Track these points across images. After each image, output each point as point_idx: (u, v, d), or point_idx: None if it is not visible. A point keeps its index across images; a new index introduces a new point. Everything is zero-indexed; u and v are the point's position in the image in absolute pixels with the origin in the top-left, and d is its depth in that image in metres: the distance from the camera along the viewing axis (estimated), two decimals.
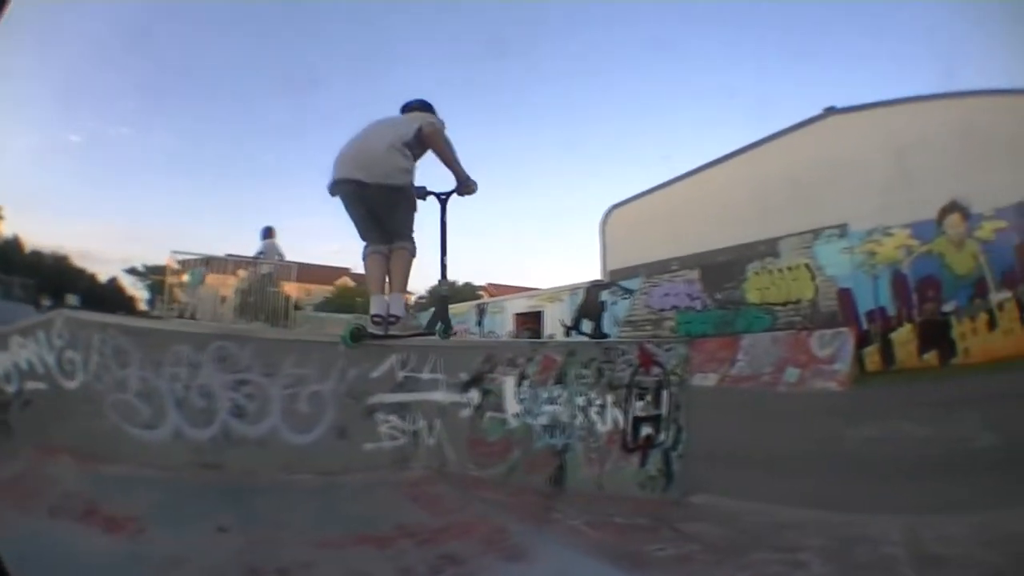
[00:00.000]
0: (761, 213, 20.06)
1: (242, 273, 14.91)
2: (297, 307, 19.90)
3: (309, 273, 38.24)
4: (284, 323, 14.41)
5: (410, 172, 5.06)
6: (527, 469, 4.82)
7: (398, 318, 5.13)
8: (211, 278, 14.84)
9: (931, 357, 14.97)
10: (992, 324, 14.76)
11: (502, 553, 3.24)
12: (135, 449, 4.45)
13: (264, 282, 14.46)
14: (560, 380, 4.95)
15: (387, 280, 5.18)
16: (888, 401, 11.53)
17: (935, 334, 15.22)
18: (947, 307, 15.24)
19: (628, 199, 27.43)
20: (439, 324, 5.58)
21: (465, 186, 5.34)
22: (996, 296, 14.81)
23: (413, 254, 5.22)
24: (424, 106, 5.39)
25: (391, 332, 5.08)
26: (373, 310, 5.05)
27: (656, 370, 5.03)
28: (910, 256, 16.07)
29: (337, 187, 4.94)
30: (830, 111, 20.56)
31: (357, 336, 4.81)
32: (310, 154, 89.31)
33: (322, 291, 50.71)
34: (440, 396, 4.85)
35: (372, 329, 4.98)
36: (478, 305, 32.41)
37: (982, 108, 16.54)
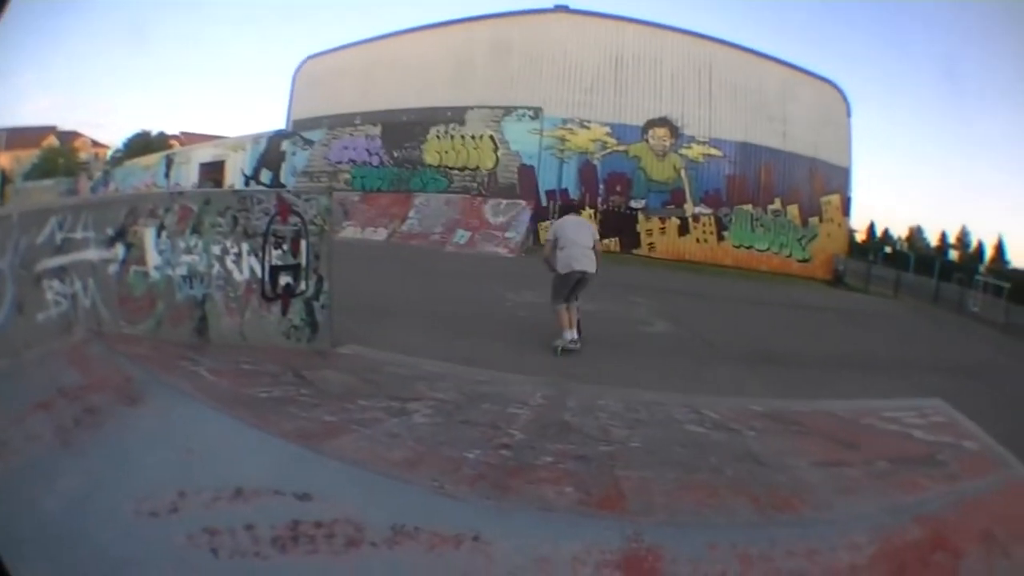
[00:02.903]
0: (458, 83, 20.28)
1: None
2: (7, 180, 16.87)
3: (19, 139, 32.88)
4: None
5: None
6: (171, 322, 4.71)
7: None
8: None
9: (611, 243, 16.75)
10: (684, 230, 17.34)
11: (128, 400, 3.42)
12: None
13: None
14: (196, 230, 4.81)
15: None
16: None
17: (619, 224, 17.27)
18: (636, 204, 17.33)
19: (326, 51, 26.17)
20: None
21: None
22: (694, 209, 17.51)
23: None
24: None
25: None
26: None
27: (294, 220, 5.01)
28: (604, 151, 17.82)
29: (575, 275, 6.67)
30: (560, 8, 21.15)
31: None
32: None
33: (32, 156, 43.90)
34: (92, 254, 4.61)
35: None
36: (167, 156, 29.65)
37: (721, 57, 18.68)
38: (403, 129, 19.79)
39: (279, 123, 23.97)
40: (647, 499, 3.20)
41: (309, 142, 21.79)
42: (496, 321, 7.42)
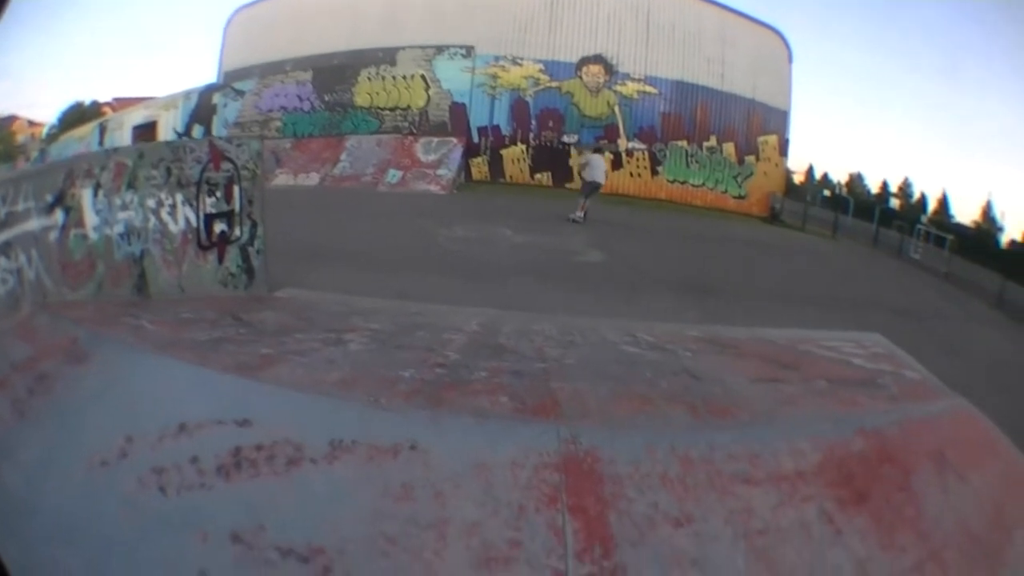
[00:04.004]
0: (389, 24, 19.94)
1: None
2: None
3: None
4: None
5: None
6: (112, 282, 4.77)
7: None
8: None
9: (544, 177, 17.00)
10: (617, 165, 17.42)
11: (74, 360, 3.49)
12: None
13: None
14: (132, 185, 4.82)
15: None
16: (489, 208, 12.65)
17: (550, 159, 17.38)
18: (568, 139, 17.51)
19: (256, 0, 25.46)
20: None
21: None
22: (628, 144, 17.60)
23: None
24: None
25: None
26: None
27: (227, 166, 5.06)
28: (537, 87, 17.79)
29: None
30: None
31: None
32: None
33: None
34: (33, 225, 4.65)
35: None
36: (100, 124, 28.57)
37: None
38: (334, 73, 19.42)
39: (212, 78, 23.31)
40: (582, 406, 3.29)
41: (240, 93, 21.24)
42: (429, 256, 7.60)
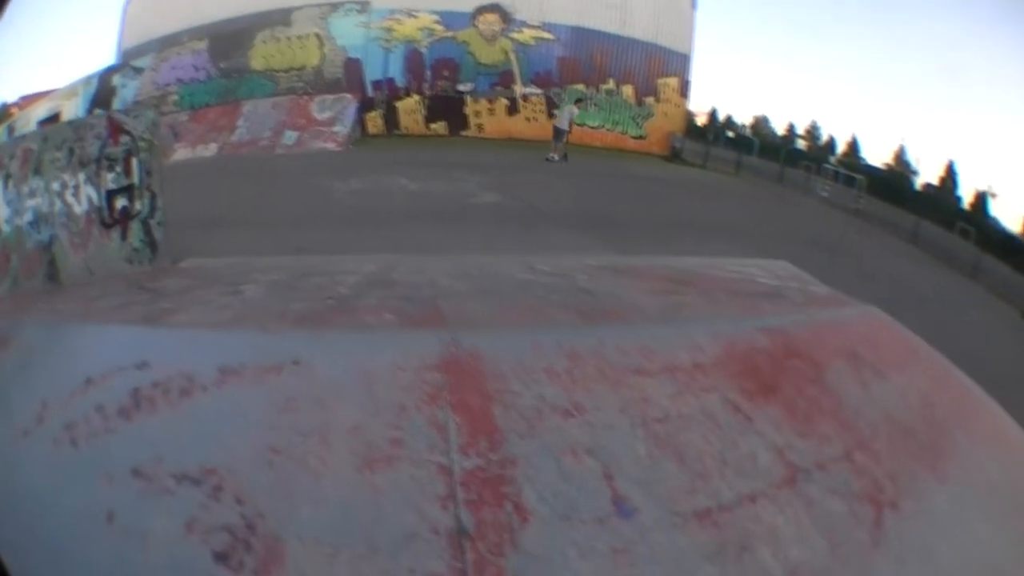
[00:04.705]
0: None
1: None
2: None
3: None
4: None
5: None
6: (26, 274, 4.94)
7: None
8: None
9: (439, 127, 17.31)
10: (513, 110, 17.81)
11: None
12: None
13: None
14: (38, 170, 4.98)
15: None
16: (385, 160, 12.83)
17: (446, 108, 17.54)
18: (463, 87, 17.75)
19: None
20: None
21: None
22: (524, 89, 17.89)
23: None
24: None
25: None
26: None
27: (125, 139, 5.02)
28: (432, 37, 17.88)
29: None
30: None
31: None
32: None
33: None
34: None
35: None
36: (7, 126, 27.20)
37: None
38: (230, 39, 19.09)
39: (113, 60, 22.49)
40: (468, 317, 3.39)
41: (138, 70, 20.55)
42: (327, 212, 7.80)
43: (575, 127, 19.27)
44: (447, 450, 2.54)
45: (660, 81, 20.15)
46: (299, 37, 18.73)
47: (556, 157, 13.70)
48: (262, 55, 19.04)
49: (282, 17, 19.12)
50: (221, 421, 2.75)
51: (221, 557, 2.23)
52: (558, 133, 14.45)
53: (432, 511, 2.38)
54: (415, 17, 18.04)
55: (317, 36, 18.57)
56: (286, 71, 18.75)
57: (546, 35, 18.48)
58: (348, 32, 18.41)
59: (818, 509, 2.64)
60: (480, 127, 18.08)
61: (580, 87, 18.67)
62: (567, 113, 15.04)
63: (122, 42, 24.49)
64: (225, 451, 2.58)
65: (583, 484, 2.52)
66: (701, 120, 26.61)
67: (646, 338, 3.06)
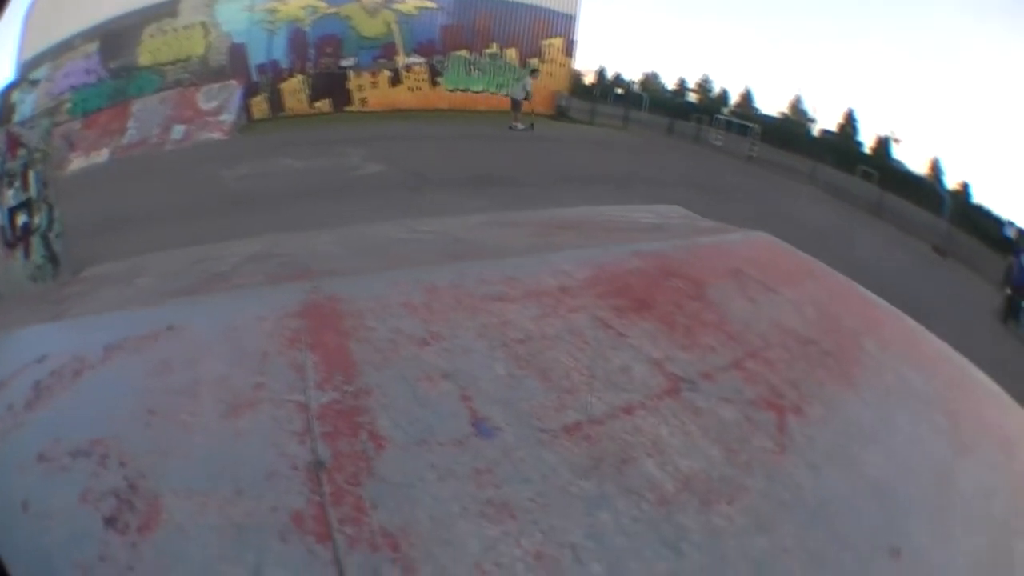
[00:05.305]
0: None
1: None
2: None
3: None
4: None
5: None
6: None
7: None
8: None
9: (323, 105, 17.80)
10: (396, 81, 18.24)
11: None
12: None
13: None
14: None
15: None
16: (271, 143, 12.26)
17: (329, 85, 17.87)
18: (346, 62, 18.19)
19: None
20: None
21: None
22: (406, 60, 18.19)
23: None
24: None
25: None
26: None
27: (22, 152, 5.11)
28: (315, 15, 18.19)
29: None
30: None
31: None
32: None
33: None
34: None
35: None
36: None
37: None
38: (119, 37, 18.85)
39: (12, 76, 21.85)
40: (332, 269, 3.51)
41: (34, 82, 20.29)
42: (217, 199, 8.06)
43: (457, 94, 19.94)
44: (304, 388, 2.59)
45: (545, 42, 20.99)
46: (185, 27, 18.02)
47: (520, 126, 13.76)
48: (149, 50, 18.28)
49: (168, 9, 18.66)
50: (107, 393, 2.86)
51: (110, 521, 2.27)
52: (515, 104, 14.72)
53: (290, 447, 2.42)
54: None
55: (203, 25, 18.01)
56: (173, 63, 18.05)
57: (429, 4, 18.31)
58: (232, 17, 17.72)
59: (707, 418, 2.63)
60: (363, 101, 17.75)
61: (463, 53, 19.31)
62: (521, 85, 15.18)
63: (21, 54, 23.78)
64: (109, 421, 2.66)
65: (439, 407, 2.55)
66: (589, 79, 27.00)
67: (509, 269, 3.13)
